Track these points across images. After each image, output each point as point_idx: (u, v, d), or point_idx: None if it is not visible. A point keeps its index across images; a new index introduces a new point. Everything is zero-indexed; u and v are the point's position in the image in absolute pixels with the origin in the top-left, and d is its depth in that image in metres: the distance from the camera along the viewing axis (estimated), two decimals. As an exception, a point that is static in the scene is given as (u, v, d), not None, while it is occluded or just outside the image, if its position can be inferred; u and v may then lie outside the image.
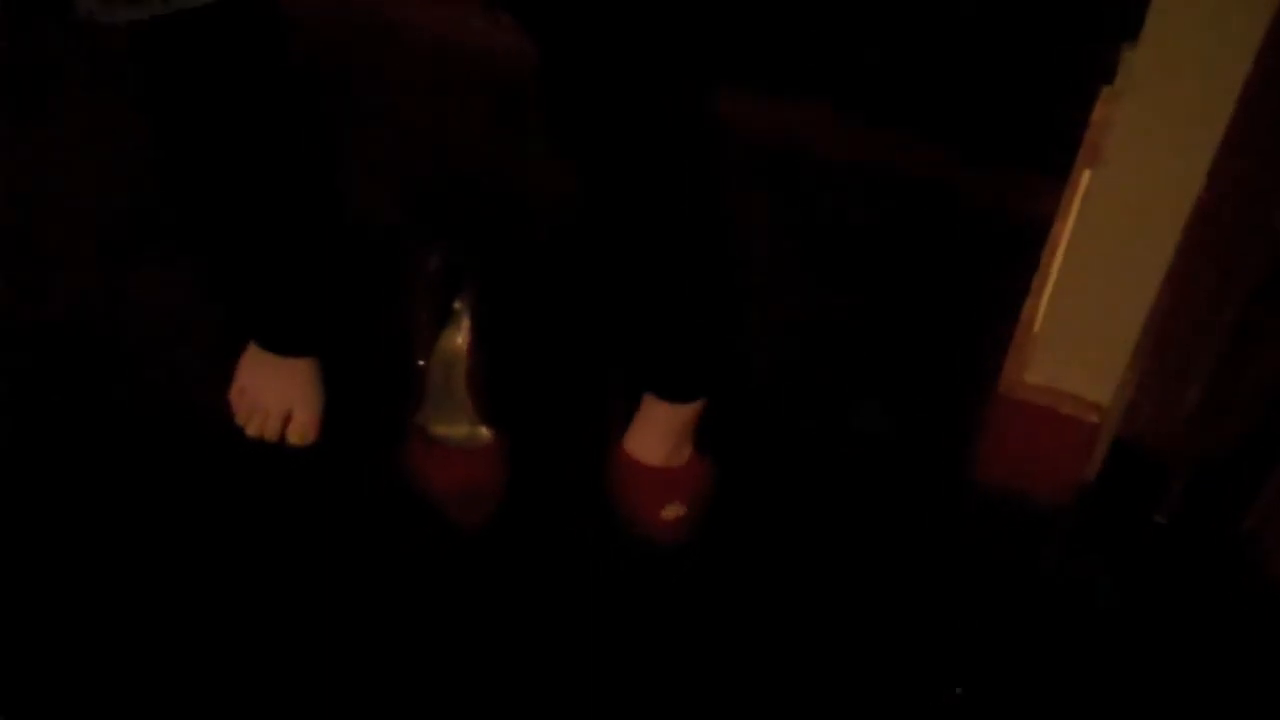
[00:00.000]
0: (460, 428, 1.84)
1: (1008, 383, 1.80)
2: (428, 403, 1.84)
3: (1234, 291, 1.69)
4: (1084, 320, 1.72)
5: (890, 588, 1.81)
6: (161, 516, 1.84)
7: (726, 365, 1.84)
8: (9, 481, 1.86)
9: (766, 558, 1.84)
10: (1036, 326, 1.78)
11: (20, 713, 1.68)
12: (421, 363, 1.83)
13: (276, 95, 1.60)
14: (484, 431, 1.84)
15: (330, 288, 1.85)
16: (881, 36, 2.33)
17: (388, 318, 1.95)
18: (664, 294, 1.68)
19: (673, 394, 1.81)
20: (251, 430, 1.90)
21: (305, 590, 1.79)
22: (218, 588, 1.78)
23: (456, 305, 1.82)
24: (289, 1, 1.56)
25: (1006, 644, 1.77)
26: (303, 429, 1.90)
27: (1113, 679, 1.74)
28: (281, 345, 1.88)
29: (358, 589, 1.79)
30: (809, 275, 2.09)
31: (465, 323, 1.82)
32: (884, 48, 2.32)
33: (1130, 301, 1.68)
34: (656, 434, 1.83)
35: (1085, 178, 1.83)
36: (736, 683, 1.74)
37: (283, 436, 1.90)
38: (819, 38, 2.33)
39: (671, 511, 1.83)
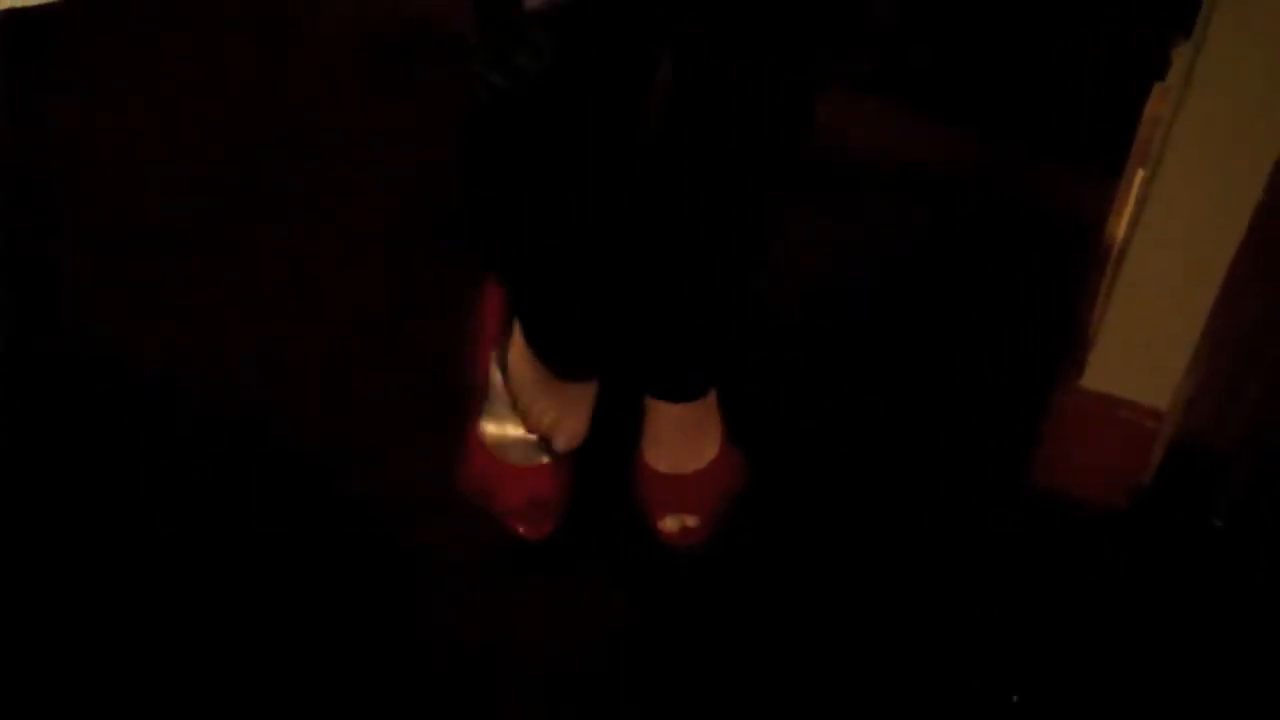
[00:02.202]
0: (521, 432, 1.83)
1: (1065, 387, 1.79)
2: (492, 408, 1.83)
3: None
4: (1143, 323, 1.71)
5: (948, 593, 1.78)
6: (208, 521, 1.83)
7: (726, 363, 1.81)
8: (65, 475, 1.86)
9: (813, 561, 1.81)
10: (1094, 330, 1.76)
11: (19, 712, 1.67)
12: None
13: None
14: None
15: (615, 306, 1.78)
16: (932, 33, 2.32)
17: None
18: (690, 287, 1.67)
19: (671, 393, 1.78)
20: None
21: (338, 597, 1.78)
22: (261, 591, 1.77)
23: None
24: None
25: (1064, 651, 1.74)
26: (571, 436, 1.82)
27: (1170, 684, 1.72)
28: (573, 370, 1.79)
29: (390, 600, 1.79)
30: (865, 277, 2.08)
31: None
32: (934, 44, 2.31)
33: (1190, 304, 1.67)
34: (662, 438, 1.80)
35: (1139, 176, 1.82)
36: (784, 690, 1.71)
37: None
38: (868, 33, 2.32)
39: (671, 523, 1.79)
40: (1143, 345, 1.72)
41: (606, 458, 1.85)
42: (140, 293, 2.02)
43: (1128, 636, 1.75)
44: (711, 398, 1.80)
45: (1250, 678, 1.72)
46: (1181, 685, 1.72)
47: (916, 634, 1.75)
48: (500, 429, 1.82)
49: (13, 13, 2.32)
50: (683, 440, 1.80)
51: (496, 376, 1.82)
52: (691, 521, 1.79)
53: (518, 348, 1.81)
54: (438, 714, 1.68)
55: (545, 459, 1.80)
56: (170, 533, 1.80)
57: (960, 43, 2.35)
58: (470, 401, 1.84)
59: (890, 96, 2.26)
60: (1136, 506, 1.83)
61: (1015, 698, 1.70)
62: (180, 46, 2.35)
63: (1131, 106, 1.97)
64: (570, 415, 1.79)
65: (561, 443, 1.80)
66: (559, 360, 1.77)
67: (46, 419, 1.90)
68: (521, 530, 1.79)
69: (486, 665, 1.71)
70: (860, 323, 2.04)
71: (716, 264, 1.65)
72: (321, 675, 1.70)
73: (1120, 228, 1.85)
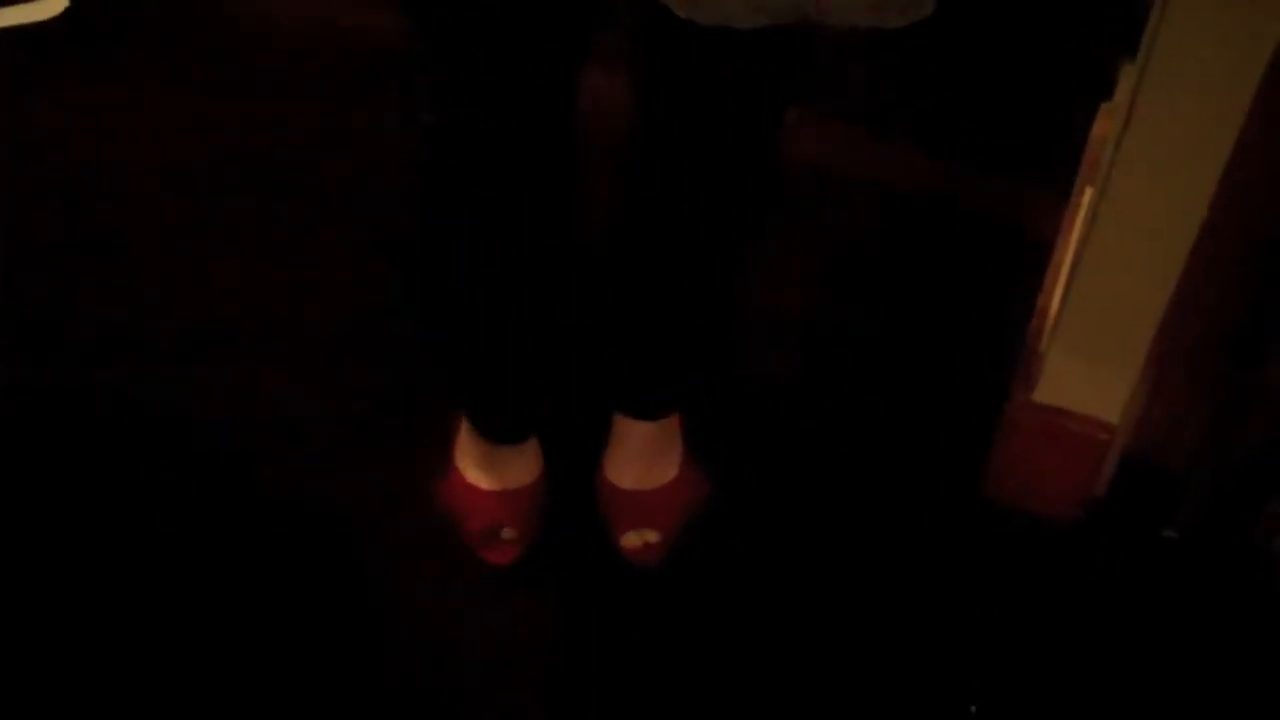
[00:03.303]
0: None
1: (1016, 401, 1.81)
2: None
3: (1241, 306, 1.70)
4: (1093, 338, 1.73)
5: (902, 606, 1.80)
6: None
7: (699, 384, 1.83)
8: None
9: (774, 575, 1.83)
10: (1044, 344, 1.78)
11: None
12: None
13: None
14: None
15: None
16: (881, 50, 2.34)
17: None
18: (666, 300, 1.67)
19: (641, 410, 1.79)
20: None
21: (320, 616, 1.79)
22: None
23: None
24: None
25: (1021, 661, 1.76)
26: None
27: (1125, 694, 1.74)
28: (508, 432, 1.81)
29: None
30: (814, 292, 2.10)
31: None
32: (883, 62, 2.33)
33: (1139, 319, 1.69)
34: (627, 455, 1.81)
35: (1087, 194, 1.84)
36: (741, 703, 1.72)
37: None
38: (819, 52, 2.34)
39: (634, 539, 1.81)
40: (1093, 359, 1.74)
41: (571, 475, 1.86)
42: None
43: (1083, 646, 1.77)
44: (674, 416, 1.81)
45: (1203, 686, 1.74)
46: (1135, 694, 1.74)
47: (874, 646, 1.77)
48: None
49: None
50: (646, 457, 1.81)
51: None
52: (653, 537, 1.80)
53: (462, 438, 1.84)
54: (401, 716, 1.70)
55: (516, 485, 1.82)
56: (153, 534, 1.83)
57: (912, 62, 2.37)
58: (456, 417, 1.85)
59: (839, 113, 2.28)
60: (1090, 518, 1.85)
61: (973, 709, 1.71)
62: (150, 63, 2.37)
63: (1079, 125, 1.99)
64: (514, 506, 1.82)
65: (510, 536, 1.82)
66: (491, 420, 1.79)
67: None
68: (487, 557, 1.81)
69: (449, 671, 1.73)
70: (812, 339, 2.06)
71: (689, 282, 1.65)
72: (285, 673, 1.72)
73: (1070, 244, 1.87)
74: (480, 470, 1.82)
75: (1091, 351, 1.74)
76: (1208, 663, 1.76)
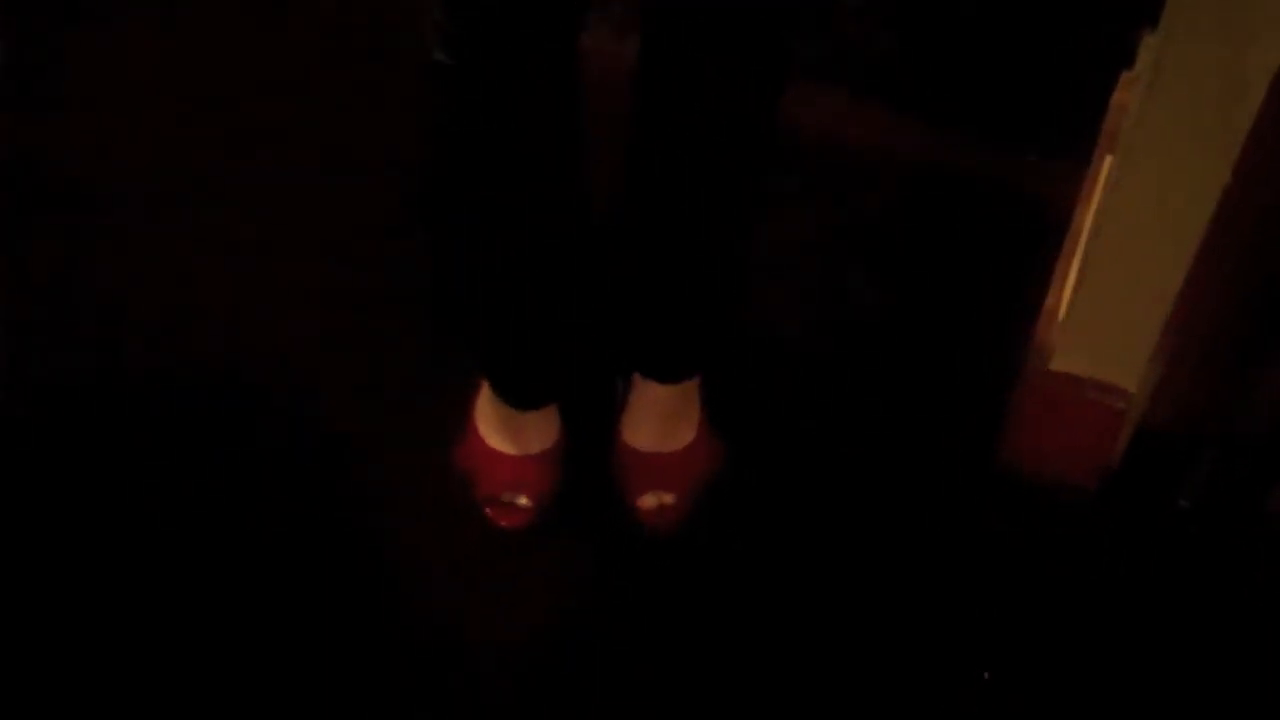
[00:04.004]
0: None
1: (1033, 370, 1.81)
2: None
3: (1258, 276, 1.70)
4: (1109, 307, 1.73)
5: (918, 574, 1.81)
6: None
7: (718, 346, 1.83)
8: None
9: (789, 543, 1.84)
10: (1061, 313, 1.79)
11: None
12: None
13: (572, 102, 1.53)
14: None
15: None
16: (899, 21, 2.34)
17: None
18: (680, 268, 1.67)
19: (661, 373, 1.79)
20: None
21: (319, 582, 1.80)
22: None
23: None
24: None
25: (1034, 628, 1.77)
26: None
27: (1137, 662, 1.75)
28: (527, 398, 1.81)
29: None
30: (832, 262, 2.11)
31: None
32: (902, 33, 2.33)
33: (1156, 287, 1.69)
34: (646, 417, 1.82)
35: (1107, 163, 1.84)
36: (759, 670, 1.74)
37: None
38: (836, 23, 2.34)
39: (650, 500, 1.82)
40: (1110, 328, 1.75)
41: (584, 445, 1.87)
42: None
43: (1097, 614, 1.78)
44: (695, 380, 1.82)
45: (1216, 653, 1.76)
46: (1148, 660, 1.75)
47: (891, 613, 1.78)
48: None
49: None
50: (664, 421, 1.82)
51: None
52: (668, 499, 1.82)
53: (481, 400, 1.85)
54: (413, 698, 1.70)
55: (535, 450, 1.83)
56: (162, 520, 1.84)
57: (928, 31, 2.37)
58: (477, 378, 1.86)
59: (859, 86, 2.28)
60: (1105, 487, 1.86)
61: (986, 674, 1.72)
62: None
63: (1099, 95, 1.99)
64: (530, 471, 1.83)
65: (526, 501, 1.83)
66: (514, 387, 1.79)
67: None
68: (499, 521, 1.82)
69: (458, 647, 1.74)
70: (830, 310, 2.06)
71: (705, 249, 1.66)
72: (291, 660, 1.73)
73: (1089, 213, 1.87)
74: (499, 434, 1.83)
75: (1109, 320, 1.74)
76: (1219, 629, 1.77)
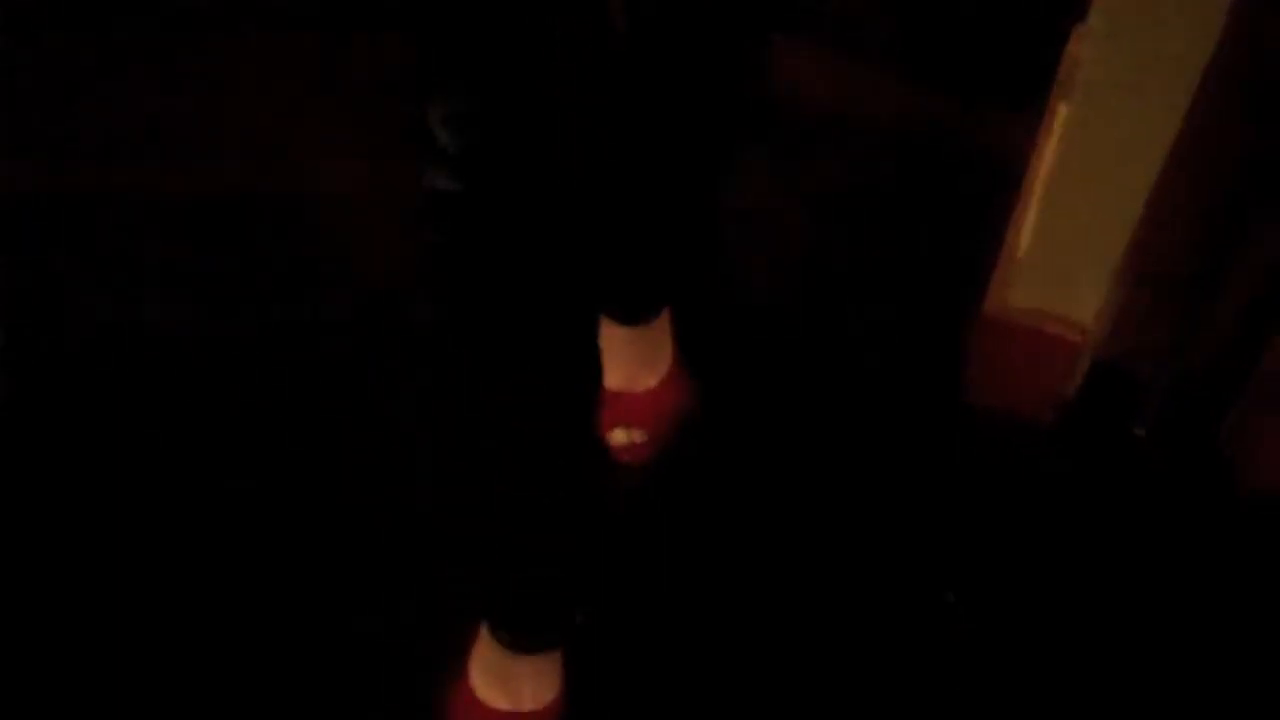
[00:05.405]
0: None
1: (994, 306, 1.89)
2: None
3: (1212, 215, 1.78)
4: (1065, 246, 1.81)
5: (883, 502, 1.88)
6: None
7: (679, 289, 1.86)
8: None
9: (757, 479, 1.90)
10: (1020, 253, 1.86)
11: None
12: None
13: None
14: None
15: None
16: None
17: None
18: (644, 210, 1.68)
19: (624, 315, 1.81)
20: None
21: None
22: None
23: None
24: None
25: (996, 552, 1.85)
26: None
27: (1095, 581, 1.83)
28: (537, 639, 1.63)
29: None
30: (795, 214, 2.16)
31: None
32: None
33: (1111, 227, 1.77)
34: (612, 359, 1.81)
35: (1061, 111, 1.91)
36: (724, 597, 1.80)
37: None
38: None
39: (620, 435, 1.85)
40: (1067, 265, 1.82)
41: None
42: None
43: (1055, 537, 1.86)
44: (664, 319, 1.86)
45: (1168, 573, 1.84)
46: (1104, 580, 1.83)
47: (857, 541, 1.85)
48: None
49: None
50: (633, 360, 1.85)
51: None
52: (639, 436, 1.87)
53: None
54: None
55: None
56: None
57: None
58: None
59: (812, 38, 2.31)
60: (1062, 418, 1.93)
61: (950, 596, 1.79)
62: None
63: (1052, 48, 2.05)
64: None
65: None
66: (521, 623, 1.62)
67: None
68: None
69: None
70: (794, 256, 2.12)
71: (671, 193, 1.68)
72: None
73: (1045, 156, 1.94)
74: (493, 688, 1.68)
75: (1066, 258, 1.81)
76: (1172, 553, 1.86)
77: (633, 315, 1.83)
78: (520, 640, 1.61)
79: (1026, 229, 1.87)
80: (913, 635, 1.78)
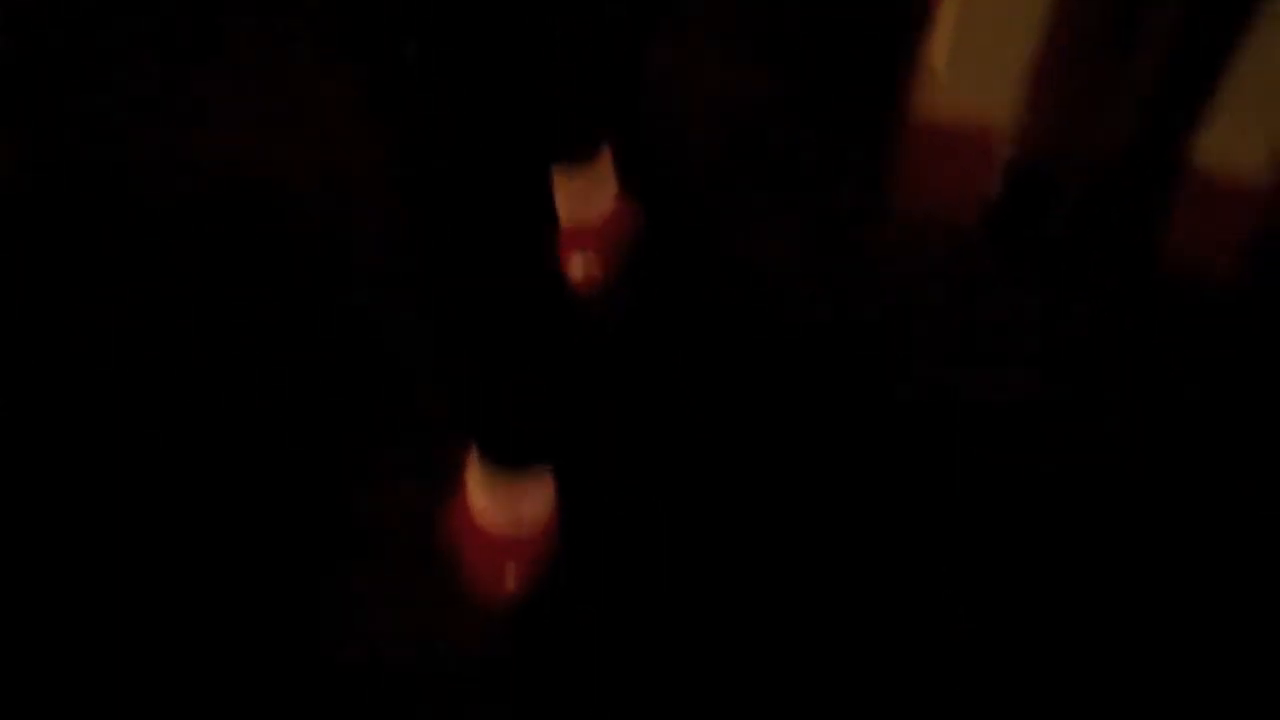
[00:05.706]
0: None
1: (916, 117, 2.00)
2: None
3: (1106, 22, 1.89)
4: (981, 57, 1.91)
5: (819, 309, 1.99)
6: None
7: (617, 127, 1.96)
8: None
9: (705, 305, 2.01)
10: (939, 66, 1.96)
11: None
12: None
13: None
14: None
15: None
16: None
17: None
18: (585, 61, 1.77)
19: (569, 155, 1.90)
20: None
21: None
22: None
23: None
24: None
25: (924, 350, 1.96)
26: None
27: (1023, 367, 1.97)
28: (521, 454, 1.73)
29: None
30: (715, 52, 2.24)
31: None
32: None
33: (1020, 38, 1.88)
34: (564, 196, 1.86)
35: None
36: (685, 514, 1.86)
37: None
38: None
39: (577, 258, 1.96)
40: (983, 76, 1.93)
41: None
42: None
43: (973, 331, 1.99)
44: (606, 156, 1.96)
45: (1084, 342, 1.97)
46: (1034, 348, 1.97)
47: (799, 354, 1.97)
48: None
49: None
50: (579, 196, 1.95)
51: None
52: (595, 261, 1.99)
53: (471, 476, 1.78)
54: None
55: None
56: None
57: None
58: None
59: None
60: (984, 219, 2.06)
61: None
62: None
63: None
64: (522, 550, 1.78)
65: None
66: (506, 443, 1.71)
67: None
68: (480, 591, 1.79)
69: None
70: (727, 88, 2.20)
71: (609, 41, 1.79)
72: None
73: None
74: (490, 507, 1.77)
75: (981, 69, 1.92)
76: (1096, 334, 1.99)
77: (578, 154, 1.93)
78: (508, 456, 1.72)
79: (944, 44, 1.97)
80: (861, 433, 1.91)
